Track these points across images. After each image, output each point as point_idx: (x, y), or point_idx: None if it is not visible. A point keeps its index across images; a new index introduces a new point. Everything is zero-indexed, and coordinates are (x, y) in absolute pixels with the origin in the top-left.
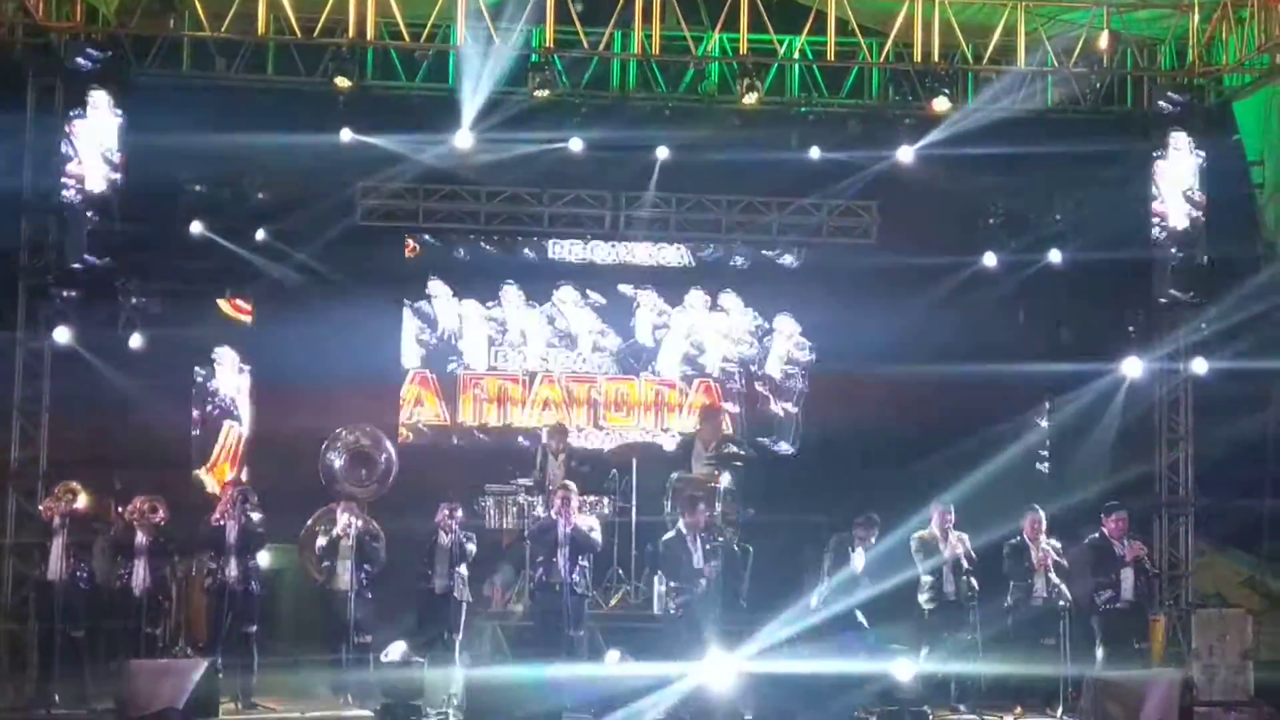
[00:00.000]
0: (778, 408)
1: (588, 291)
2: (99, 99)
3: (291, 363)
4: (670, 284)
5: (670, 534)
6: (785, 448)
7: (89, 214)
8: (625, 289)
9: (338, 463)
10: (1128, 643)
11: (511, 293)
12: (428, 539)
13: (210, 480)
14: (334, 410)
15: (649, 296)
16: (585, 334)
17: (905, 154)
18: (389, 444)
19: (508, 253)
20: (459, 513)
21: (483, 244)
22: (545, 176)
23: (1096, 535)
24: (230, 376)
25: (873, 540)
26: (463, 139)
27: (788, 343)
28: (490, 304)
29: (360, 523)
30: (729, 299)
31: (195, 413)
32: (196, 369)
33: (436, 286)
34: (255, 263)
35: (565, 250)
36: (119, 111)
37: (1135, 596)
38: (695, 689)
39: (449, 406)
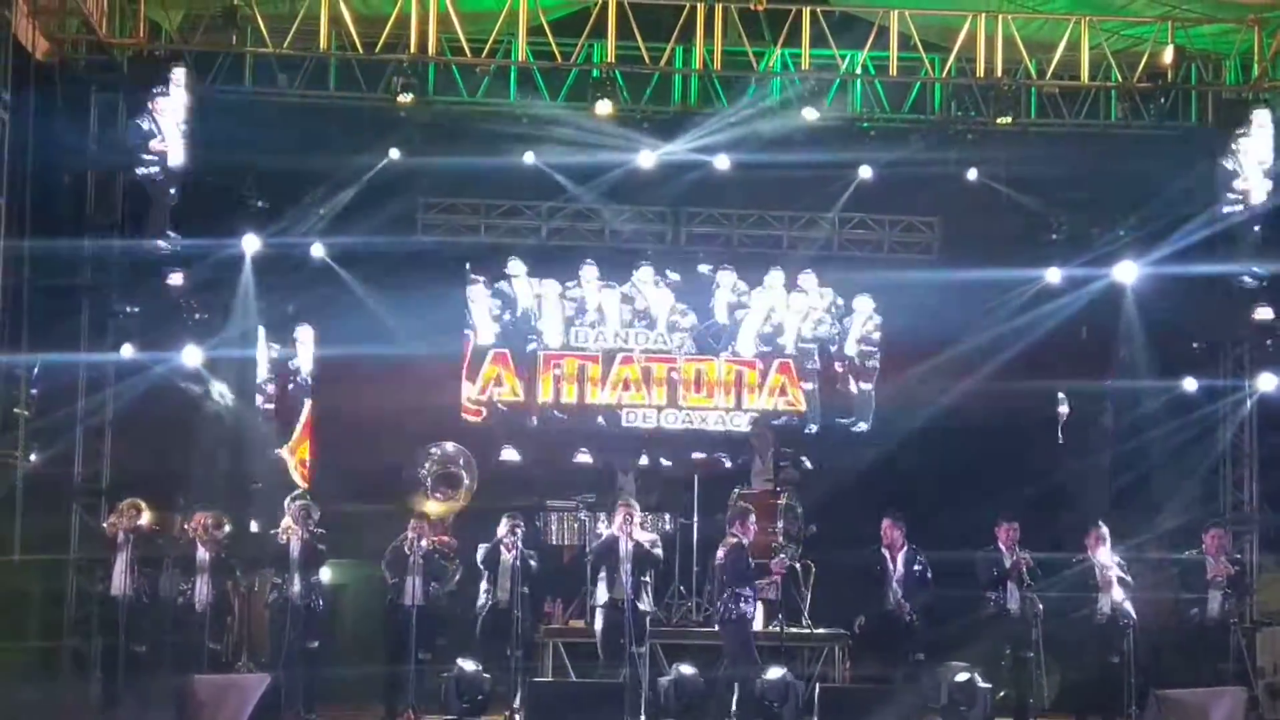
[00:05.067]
0: (854, 387)
1: (666, 271)
2: (179, 75)
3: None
4: (749, 263)
5: (732, 543)
6: (862, 426)
7: (171, 190)
8: (704, 269)
9: (425, 476)
10: (1209, 661)
11: (590, 272)
12: (490, 554)
13: (291, 460)
14: (398, 390)
15: (727, 276)
16: (663, 313)
17: (971, 174)
18: (474, 467)
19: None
20: (521, 528)
21: (556, 413)
22: (608, 193)
23: (1194, 552)
24: (310, 354)
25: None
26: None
27: (868, 323)
28: (569, 283)
29: (427, 541)
30: (807, 279)
31: (272, 389)
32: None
33: (515, 265)
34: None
35: (638, 418)
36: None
37: (1220, 615)
38: None
39: (527, 385)
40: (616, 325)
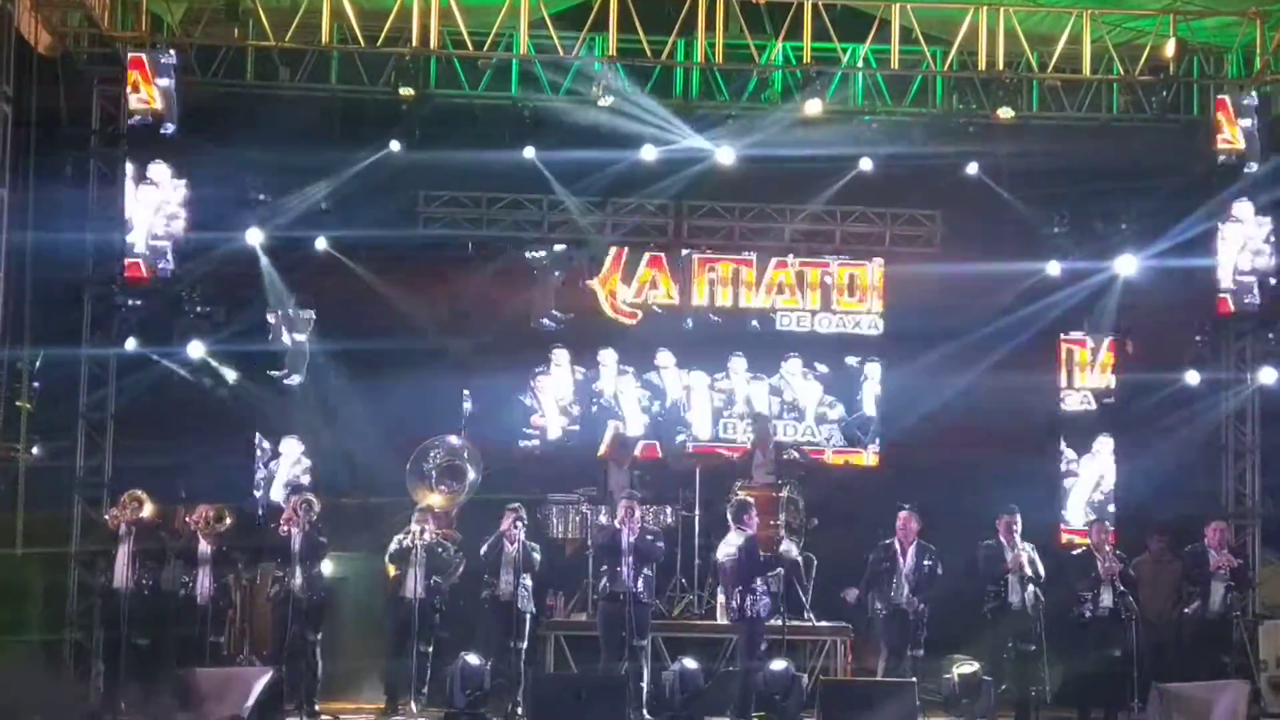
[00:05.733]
0: None
1: (815, 364)
2: (159, 172)
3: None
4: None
5: (738, 540)
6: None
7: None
8: (851, 360)
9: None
10: (1212, 655)
11: (738, 364)
12: (493, 547)
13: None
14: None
15: (874, 369)
16: (812, 405)
17: (971, 168)
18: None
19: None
20: (523, 520)
21: (711, 316)
22: (611, 186)
23: (1196, 545)
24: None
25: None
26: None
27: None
28: (718, 375)
29: (430, 535)
30: None
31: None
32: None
33: (664, 357)
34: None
35: (792, 321)
36: (181, 182)
37: (1223, 609)
38: None
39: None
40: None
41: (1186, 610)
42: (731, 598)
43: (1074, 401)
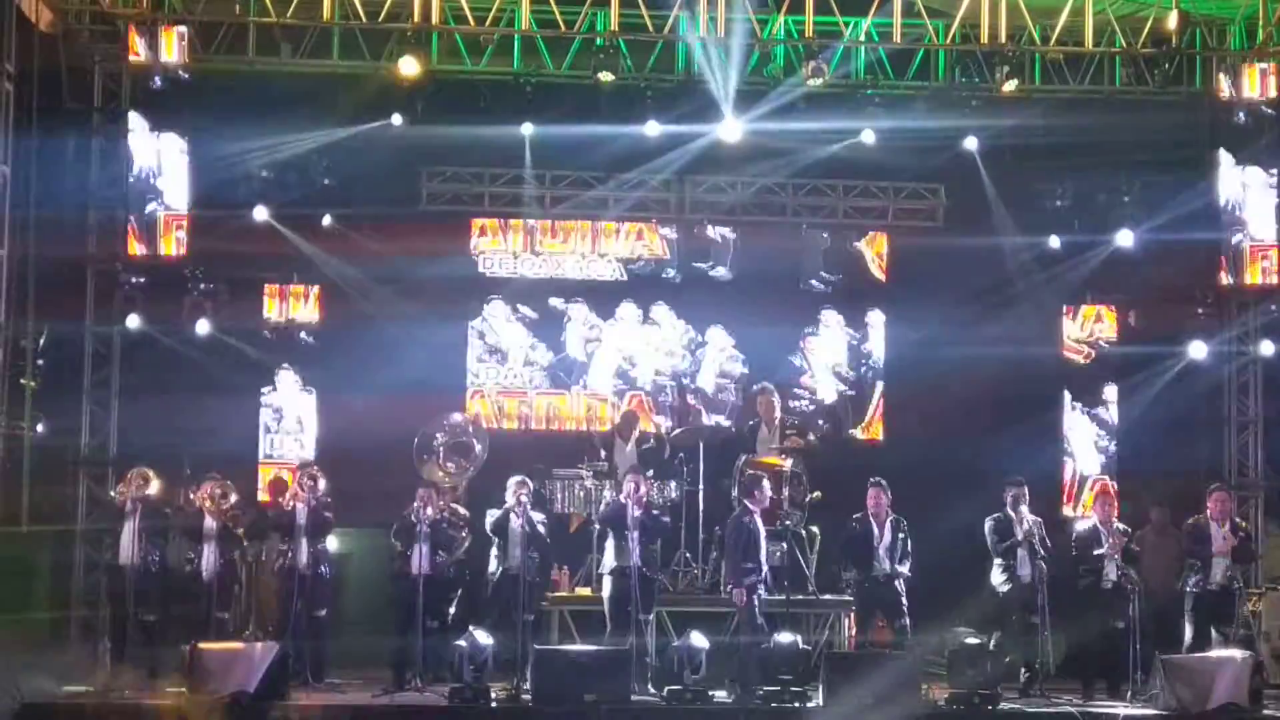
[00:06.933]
0: (710, 420)
1: (518, 306)
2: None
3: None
4: (602, 297)
5: (739, 515)
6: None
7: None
8: (556, 303)
9: (437, 445)
10: (1213, 627)
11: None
12: (499, 522)
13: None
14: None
15: (580, 310)
16: (516, 348)
17: (970, 142)
18: (485, 434)
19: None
20: (529, 491)
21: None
22: (613, 161)
23: (1199, 518)
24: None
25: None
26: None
27: (720, 355)
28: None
29: (433, 510)
30: (661, 311)
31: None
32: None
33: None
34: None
35: (495, 264)
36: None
37: (1225, 580)
38: None
39: None
40: (469, 361)
41: (1189, 585)
42: (725, 575)
43: (1077, 355)
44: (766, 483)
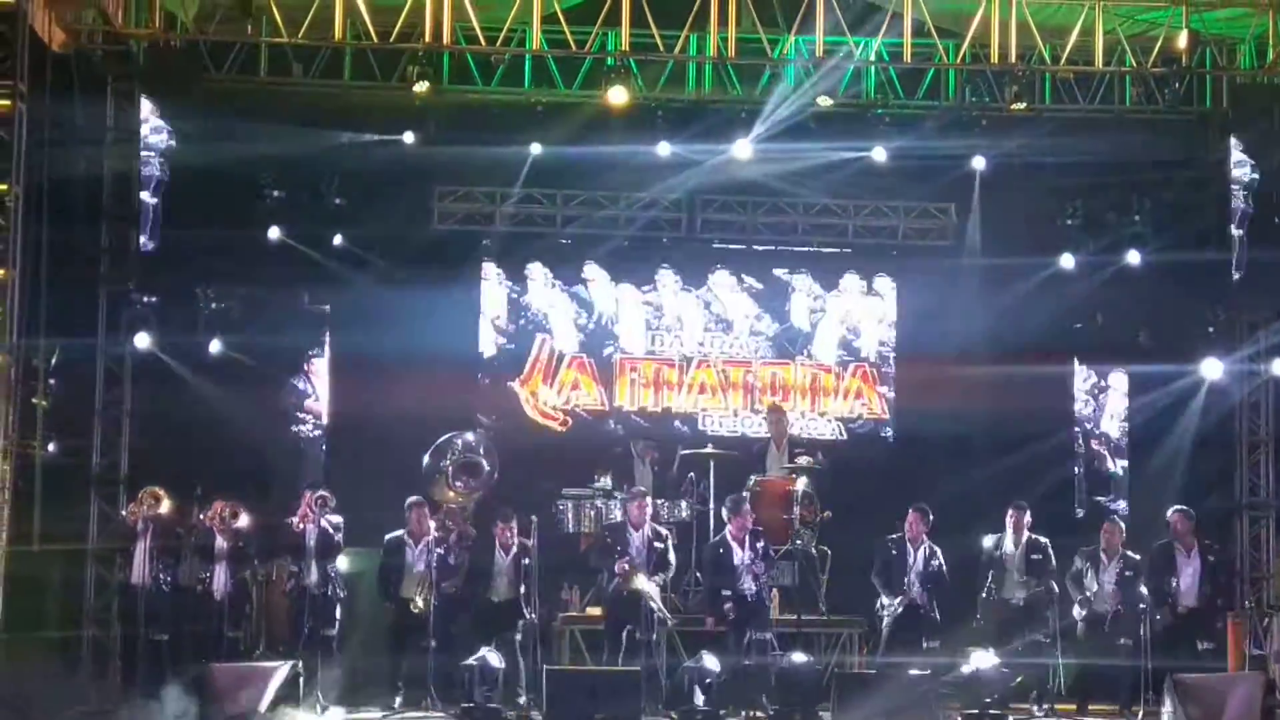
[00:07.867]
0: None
1: (743, 276)
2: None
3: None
4: (825, 268)
5: (716, 538)
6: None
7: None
8: (780, 273)
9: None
10: (1187, 647)
11: (667, 277)
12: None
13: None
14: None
15: (804, 281)
16: (741, 318)
17: (979, 162)
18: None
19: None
20: (514, 525)
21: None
22: (626, 181)
23: (1164, 540)
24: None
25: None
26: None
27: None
28: (646, 288)
29: (433, 536)
30: (883, 283)
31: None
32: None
33: (593, 270)
34: (332, 267)
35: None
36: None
37: (1197, 602)
38: None
39: (606, 390)
40: (696, 330)
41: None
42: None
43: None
44: (748, 507)
